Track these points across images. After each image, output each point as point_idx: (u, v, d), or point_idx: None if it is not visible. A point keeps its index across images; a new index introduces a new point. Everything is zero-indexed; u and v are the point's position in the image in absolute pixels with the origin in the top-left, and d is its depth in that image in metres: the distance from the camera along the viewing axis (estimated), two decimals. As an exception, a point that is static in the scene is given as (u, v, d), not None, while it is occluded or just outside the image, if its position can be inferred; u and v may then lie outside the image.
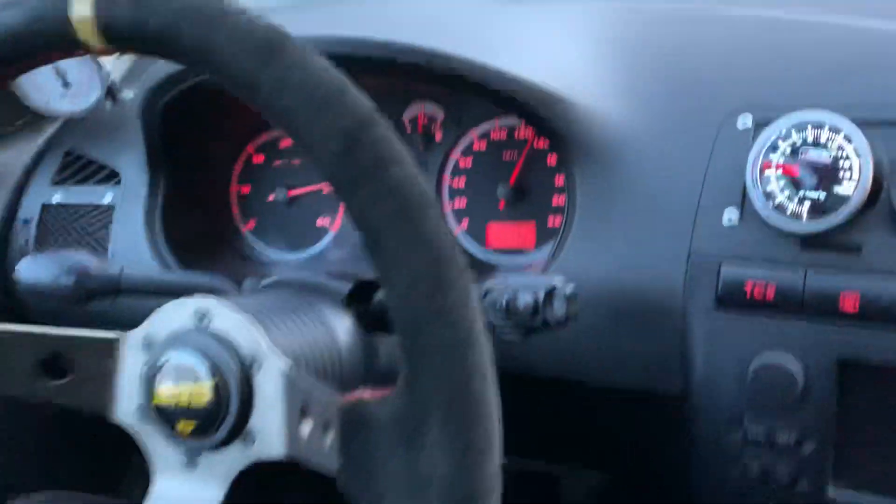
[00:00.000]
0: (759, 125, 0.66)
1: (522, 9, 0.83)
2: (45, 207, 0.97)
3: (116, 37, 0.44)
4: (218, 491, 0.54)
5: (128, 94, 1.04)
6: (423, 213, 0.40)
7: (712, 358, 0.66)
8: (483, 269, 0.85)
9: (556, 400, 0.75)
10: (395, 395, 0.43)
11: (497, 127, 0.86)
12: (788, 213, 0.63)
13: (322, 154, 0.41)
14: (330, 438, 0.48)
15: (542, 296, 0.59)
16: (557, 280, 0.60)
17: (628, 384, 0.70)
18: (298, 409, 0.51)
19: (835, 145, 0.62)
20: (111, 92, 1.01)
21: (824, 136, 0.62)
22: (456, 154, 0.89)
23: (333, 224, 0.95)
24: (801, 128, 0.63)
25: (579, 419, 0.78)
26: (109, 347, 0.58)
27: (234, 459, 0.55)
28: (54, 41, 0.45)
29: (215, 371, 0.54)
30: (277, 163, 0.96)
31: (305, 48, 0.42)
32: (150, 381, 0.56)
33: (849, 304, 0.60)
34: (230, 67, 0.42)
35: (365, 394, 0.46)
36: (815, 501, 0.64)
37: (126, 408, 0.58)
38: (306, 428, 0.50)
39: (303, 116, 0.41)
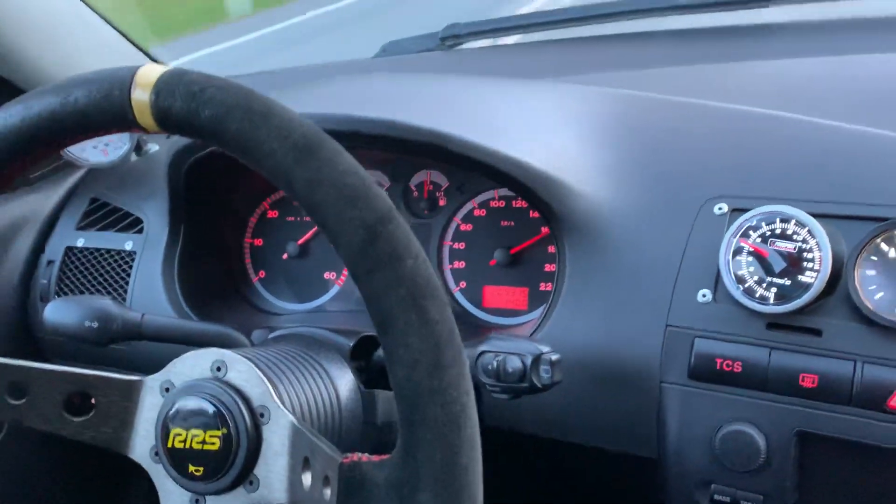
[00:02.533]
0: (735, 212, 0.73)
1: (521, 90, 0.90)
2: (69, 250, 1.03)
3: (170, 123, 0.50)
4: None
5: (153, 147, 1.11)
6: (428, 302, 0.47)
7: (684, 425, 0.71)
8: (478, 326, 0.91)
9: (540, 456, 0.80)
10: (393, 460, 0.49)
11: (496, 196, 0.93)
12: (757, 295, 0.69)
13: (345, 244, 0.47)
14: (329, 492, 0.53)
15: (529, 361, 0.65)
16: (544, 347, 0.66)
17: (608, 446, 0.75)
18: (301, 460, 0.56)
19: (800, 237, 0.68)
20: (138, 145, 1.08)
21: (791, 228, 0.69)
22: (458, 219, 0.95)
23: (339, 278, 1.01)
24: (770, 220, 0.70)
25: (560, 475, 0.84)
26: (130, 389, 0.63)
27: (237, 503, 0.59)
28: (114, 121, 0.52)
29: (226, 419, 0.59)
30: (290, 219, 1.02)
31: (337, 148, 0.48)
32: (165, 425, 0.61)
33: (808, 382, 0.66)
34: (270, 162, 0.48)
35: (364, 456, 0.51)
36: None
37: (141, 447, 0.62)
38: (307, 478, 0.55)
39: (331, 210, 0.47)
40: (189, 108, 0.49)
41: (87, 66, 0.54)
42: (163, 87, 0.50)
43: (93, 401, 0.62)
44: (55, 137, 0.53)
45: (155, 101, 0.50)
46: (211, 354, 0.62)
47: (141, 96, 0.50)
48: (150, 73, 0.50)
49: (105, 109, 0.51)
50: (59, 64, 1.04)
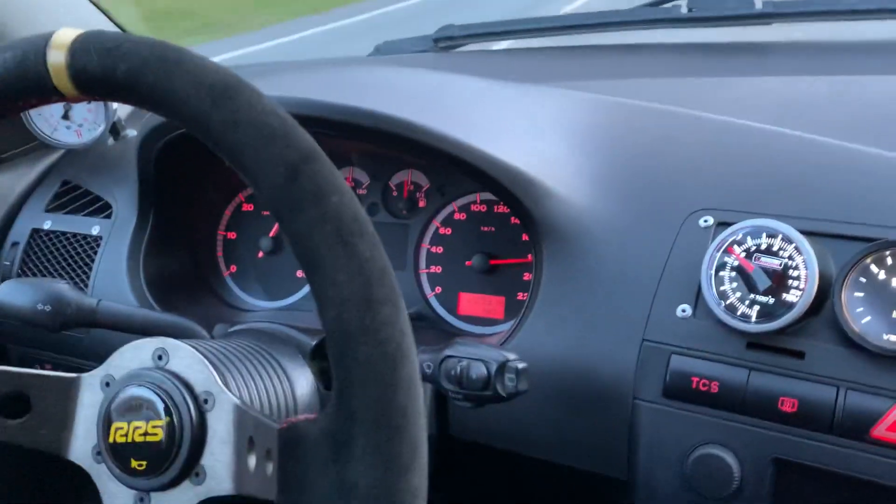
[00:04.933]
0: (720, 225, 0.70)
1: (507, 92, 0.87)
2: (35, 232, 1.00)
3: (87, 84, 0.48)
4: None
5: (131, 132, 1.08)
6: (357, 238, 0.44)
7: (656, 445, 0.68)
8: (451, 334, 0.87)
9: (505, 470, 0.76)
10: (326, 412, 0.46)
11: (478, 200, 0.90)
12: (738, 313, 0.66)
13: (266, 184, 0.45)
14: (271, 466, 0.50)
15: (493, 369, 0.61)
16: (510, 355, 0.62)
17: (576, 463, 0.72)
18: (246, 442, 0.53)
19: (786, 254, 0.65)
20: (115, 128, 1.05)
21: (777, 244, 0.65)
22: (437, 221, 0.92)
23: (312, 277, 0.97)
24: (756, 234, 0.66)
25: (525, 492, 0.80)
26: (69, 387, 0.59)
27: (184, 498, 0.56)
28: (31, 88, 0.49)
29: (169, 407, 0.56)
30: (265, 213, 0.99)
31: (255, 90, 0.46)
32: (105, 419, 0.58)
33: (787, 406, 0.62)
34: (186, 109, 0.46)
35: (300, 417, 0.48)
36: None
37: (82, 448, 0.59)
38: (252, 460, 0.52)
39: (250, 150, 0.45)
40: (104, 65, 0.47)
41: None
42: (78, 47, 0.47)
43: (29, 401, 0.59)
44: None
45: (70, 62, 0.47)
46: (152, 343, 0.59)
47: (56, 58, 0.48)
48: (65, 35, 0.48)
49: (20, 76, 0.49)
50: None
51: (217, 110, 0.45)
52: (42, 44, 0.48)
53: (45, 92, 0.49)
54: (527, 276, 0.86)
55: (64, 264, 0.97)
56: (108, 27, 1.14)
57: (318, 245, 0.44)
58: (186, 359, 0.59)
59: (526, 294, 0.86)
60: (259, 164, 0.45)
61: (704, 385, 0.65)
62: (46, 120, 0.98)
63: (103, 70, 0.47)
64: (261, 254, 0.99)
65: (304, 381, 0.70)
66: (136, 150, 0.89)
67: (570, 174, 0.76)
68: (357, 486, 0.43)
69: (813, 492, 0.64)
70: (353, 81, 0.85)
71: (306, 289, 0.97)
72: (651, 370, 0.68)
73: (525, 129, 0.80)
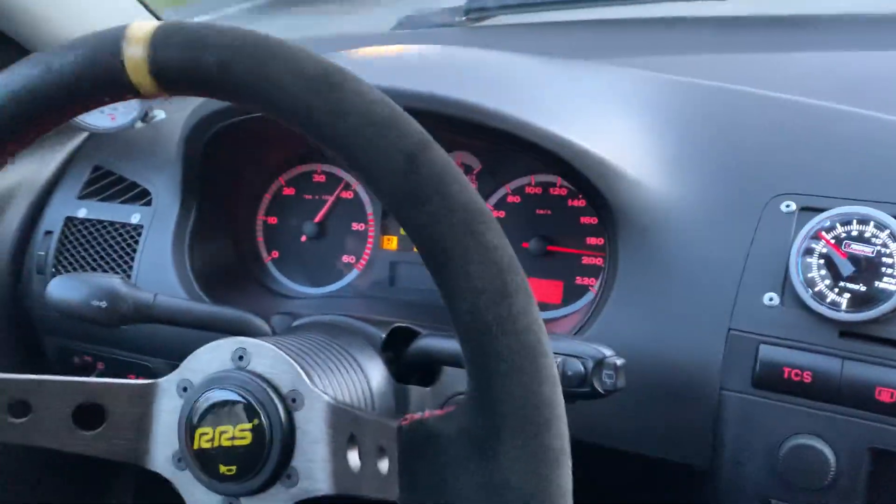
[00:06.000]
0: (803, 211, 0.68)
1: (574, 70, 0.84)
2: (70, 220, 0.96)
3: (169, 79, 0.44)
4: None
5: (159, 115, 1.04)
6: (484, 226, 0.42)
7: (744, 436, 0.67)
8: None
9: (585, 463, 0.75)
10: (462, 408, 0.44)
11: (532, 182, 0.88)
12: (828, 301, 0.64)
13: (384, 175, 0.42)
14: (386, 464, 0.48)
15: (591, 365, 0.60)
16: (607, 351, 0.61)
17: (658, 454, 0.70)
18: (346, 439, 0.51)
19: (879, 241, 0.64)
20: (143, 110, 1.01)
21: (869, 231, 0.64)
22: (489, 205, 0.90)
23: (358, 262, 0.95)
24: (846, 221, 0.65)
25: (606, 484, 0.79)
26: (144, 394, 0.58)
27: (277, 500, 0.54)
28: (107, 86, 0.45)
29: (256, 409, 0.54)
30: (307, 197, 0.96)
31: (358, 78, 0.43)
32: (188, 426, 0.56)
33: (885, 396, 0.62)
34: (286, 100, 0.43)
35: (426, 413, 0.46)
36: None
37: (162, 455, 0.57)
38: (355, 458, 0.51)
39: (362, 139, 0.42)
40: (189, 57, 0.43)
41: (98, 26, 0.47)
42: (158, 40, 0.44)
43: (104, 411, 0.57)
44: (42, 114, 0.46)
45: (151, 57, 0.44)
46: (230, 344, 0.57)
47: (135, 53, 0.44)
48: (142, 28, 0.44)
49: (95, 75, 0.45)
50: (67, 24, 0.97)
51: (321, 100, 0.42)
52: (116, 38, 0.45)
53: (120, 90, 0.46)
54: (586, 261, 0.85)
55: (104, 254, 0.94)
56: (144, 15, 1.09)
57: (444, 236, 0.41)
58: (268, 358, 0.57)
59: (586, 279, 0.84)
60: (373, 155, 0.42)
61: (797, 375, 0.64)
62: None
63: (188, 63, 0.44)
64: (304, 238, 0.96)
65: (377, 375, 0.68)
66: (182, 138, 0.86)
67: (643, 157, 0.74)
68: (508, 483, 0.41)
69: (909, 482, 0.64)
70: (411, 63, 0.81)
71: (351, 276, 0.95)
72: (739, 360, 0.66)
73: (595, 110, 0.78)
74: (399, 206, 0.42)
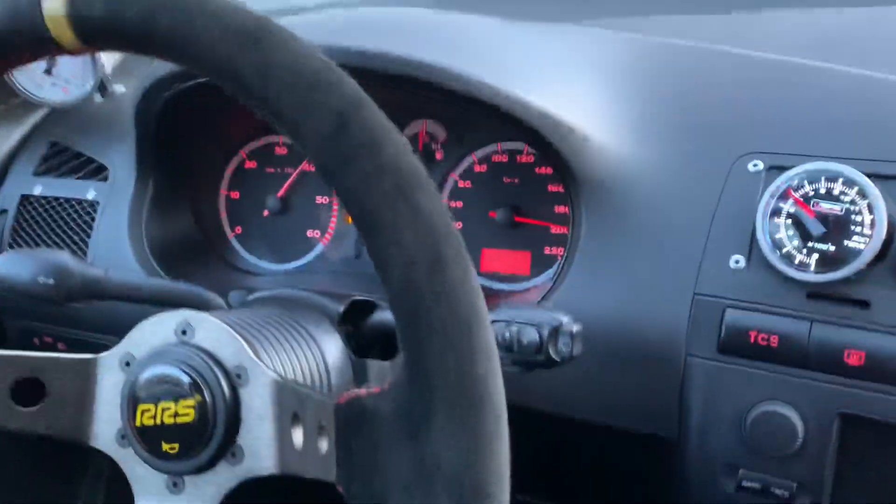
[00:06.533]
0: (771, 169, 0.66)
1: (537, 33, 0.81)
2: (25, 198, 0.94)
3: (91, 32, 0.42)
4: None
5: (119, 88, 1.01)
6: (418, 190, 0.39)
7: (711, 403, 0.64)
8: None
9: (549, 434, 0.73)
10: (396, 384, 0.42)
11: (499, 150, 0.85)
12: (796, 262, 0.62)
13: (312, 135, 0.39)
14: (326, 443, 0.46)
15: (546, 333, 0.57)
16: (563, 318, 0.58)
17: (623, 424, 0.68)
18: (290, 417, 0.49)
19: (848, 198, 0.61)
20: (102, 84, 0.98)
21: (837, 188, 0.62)
22: (455, 175, 0.87)
23: (323, 237, 0.92)
24: (814, 178, 0.62)
25: (571, 455, 0.77)
26: (86, 368, 0.55)
27: (221, 479, 0.53)
28: (26, 41, 0.43)
29: (199, 385, 0.52)
30: (270, 170, 0.94)
31: (288, 31, 0.40)
32: (130, 402, 0.54)
33: (854, 359, 0.59)
34: (210, 55, 0.40)
35: (361, 391, 0.44)
36: None
37: (105, 432, 0.55)
38: (298, 436, 0.49)
39: (289, 99, 0.39)
40: (111, 9, 0.41)
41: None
42: None
43: (44, 387, 0.55)
44: None
45: (71, 7, 0.41)
46: (173, 317, 0.55)
47: (53, 4, 0.41)
48: None
49: (12, 29, 0.42)
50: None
51: (248, 54, 0.40)
52: None
53: (41, 45, 0.43)
54: (554, 229, 0.82)
55: (59, 232, 0.91)
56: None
57: (376, 201, 0.39)
58: (213, 332, 0.54)
59: (554, 248, 0.82)
60: (302, 114, 0.39)
61: (763, 339, 0.62)
62: (30, 76, 0.91)
63: (110, 16, 0.41)
64: (266, 213, 0.93)
65: (334, 349, 0.66)
66: (134, 108, 0.83)
67: (608, 120, 0.71)
68: (440, 462, 0.39)
69: (880, 447, 0.61)
70: (366, 23, 0.78)
71: (317, 249, 0.92)
72: (704, 325, 0.64)
73: (559, 73, 0.75)
74: (327, 169, 0.40)
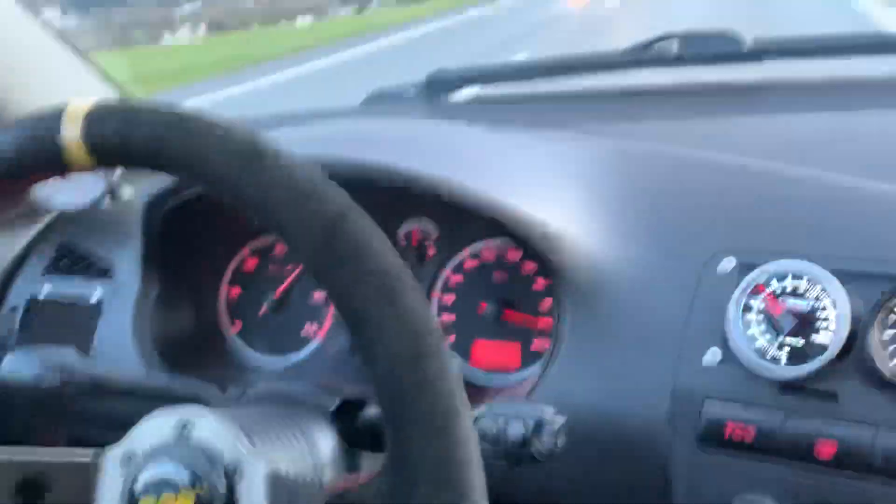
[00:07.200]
0: (743, 267, 0.70)
1: (521, 140, 0.87)
2: (33, 298, 0.97)
3: (105, 155, 0.47)
4: None
5: (127, 192, 1.06)
6: (400, 291, 0.43)
7: (693, 495, 0.66)
8: (469, 384, 0.86)
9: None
10: (381, 472, 0.45)
11: (489, 247, 0.89)
12: (768, 357, 0.65)
13: (303, 244, 0.44)
14: None
15: (531, 427, 0.60)
16: (547, 412, 0.61)
17: (608, 515, 0.70)
18: None
19: (813, 295, 0.65)
20: (111, 189, 1.03)
21: (803, 285, 0.65)
22: (447, 271, 0.91)
23: (318, 333, 0.95)
24: (781, 276, 0.66)
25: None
26: (87, 466, 0.57)
27: None
28: (45, 164, 0.48)
29: (197, 480, 0.54)
30: (271, 268, 0.97)
31: (280, 149, 0.46)
32: (130, 498, 0.56)
33: (825, 451, 0.62)
34: (214, 174, 0.45)
35: (350, 482, 0.47)
36: None
37: None
38: None
39: (285, 211, 0.44)
40: (122, 133, 0.46)
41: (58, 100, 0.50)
42: (93, 118, 0.47)
43: (48, 482, 0.57)
44: None
45: (87, 133, 0.46)
46: (173, 415, 0.57)
47: (72, 132, 0.47)
48: (80, 107, 0.47)
49: (34, 153, 0.48)
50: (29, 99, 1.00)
51: (246, 173, 0.45)
52: (55, 118, 0.47)
53: (59, 166, 0.48)
54: (541, 323, 0.85)
55: (65, 330, 0.94)
56: (111, 94, 1.13)
57: (363, 302, 0.43)
58: (212, 428, 0.57)
59: (543, 341, 0.85)
60: (295, 224, 0.44)
61: (740, 431, 0.64)
62: (44, 182, 0.95)
63: (121, 139, 0.46)
64: (264, 309, 0.97)
65: (327, 443, 0.68)
66: (141, 213, 0.88)
67: (588, 222, 0.76)
68: None
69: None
70: (362, 135, 0.84)
71: (313, 345, 0.95)
72: (684, 418, 0.67)
73: (539, 177, 0.80)
74: (319, 273, 0.44)
